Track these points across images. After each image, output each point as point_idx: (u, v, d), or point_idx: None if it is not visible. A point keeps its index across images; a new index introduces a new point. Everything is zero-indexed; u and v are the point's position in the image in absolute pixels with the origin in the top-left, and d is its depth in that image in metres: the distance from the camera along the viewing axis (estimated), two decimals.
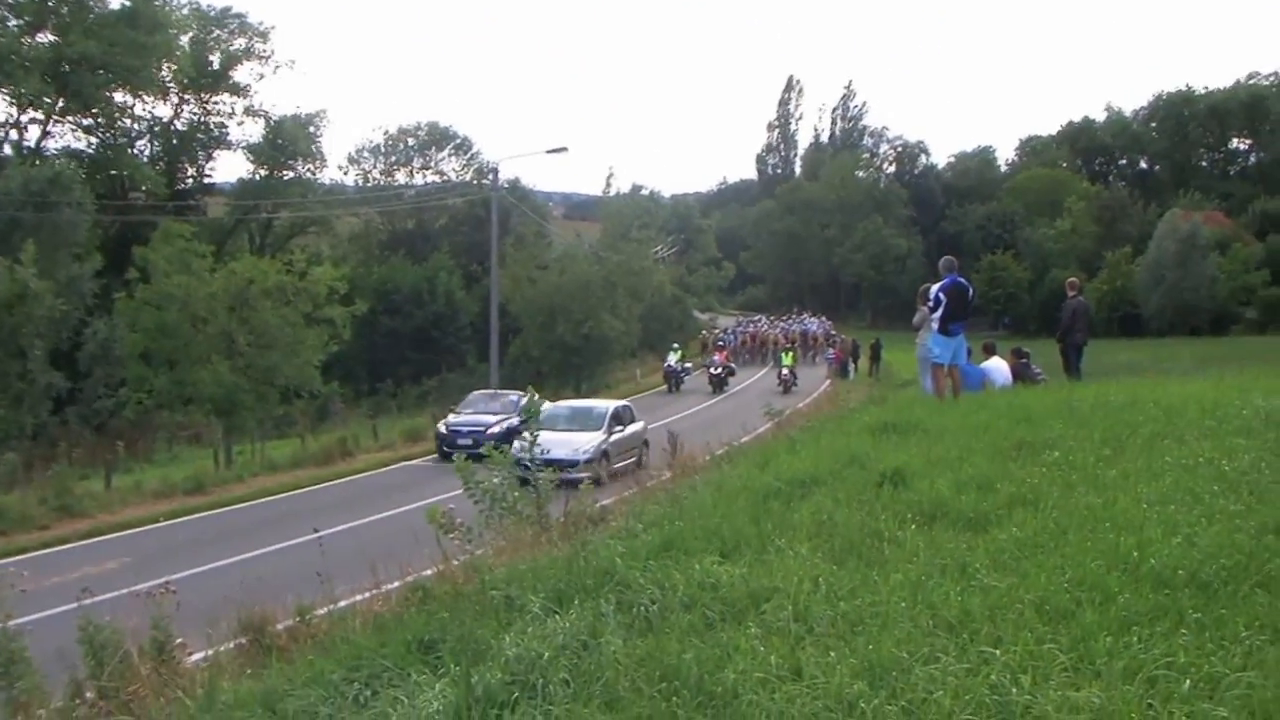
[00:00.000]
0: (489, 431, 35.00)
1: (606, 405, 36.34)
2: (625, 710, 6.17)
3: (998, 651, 6.13)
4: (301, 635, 11.08)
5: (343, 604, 12.05)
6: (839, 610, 7.27)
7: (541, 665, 6.97)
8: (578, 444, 31.54)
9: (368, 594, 12.60)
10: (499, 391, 45.80)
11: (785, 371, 61.24)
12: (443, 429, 39.28)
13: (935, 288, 20.79)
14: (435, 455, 38.80)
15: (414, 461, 38.49)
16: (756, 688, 6.07)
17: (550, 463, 25.95)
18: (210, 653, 10.73)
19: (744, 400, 50.97)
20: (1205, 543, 7.68)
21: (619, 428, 34.31)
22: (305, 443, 43.30)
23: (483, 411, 40.31)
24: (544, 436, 27.76)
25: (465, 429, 37.66)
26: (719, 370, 63.84)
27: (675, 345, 70.90)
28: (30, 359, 39.82)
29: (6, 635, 10.09)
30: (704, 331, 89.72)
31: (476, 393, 45.47)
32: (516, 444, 27.68)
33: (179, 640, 10.69)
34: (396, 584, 12.57)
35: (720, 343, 75.58)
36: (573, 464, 28.62)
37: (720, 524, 10.36)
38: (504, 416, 38.19)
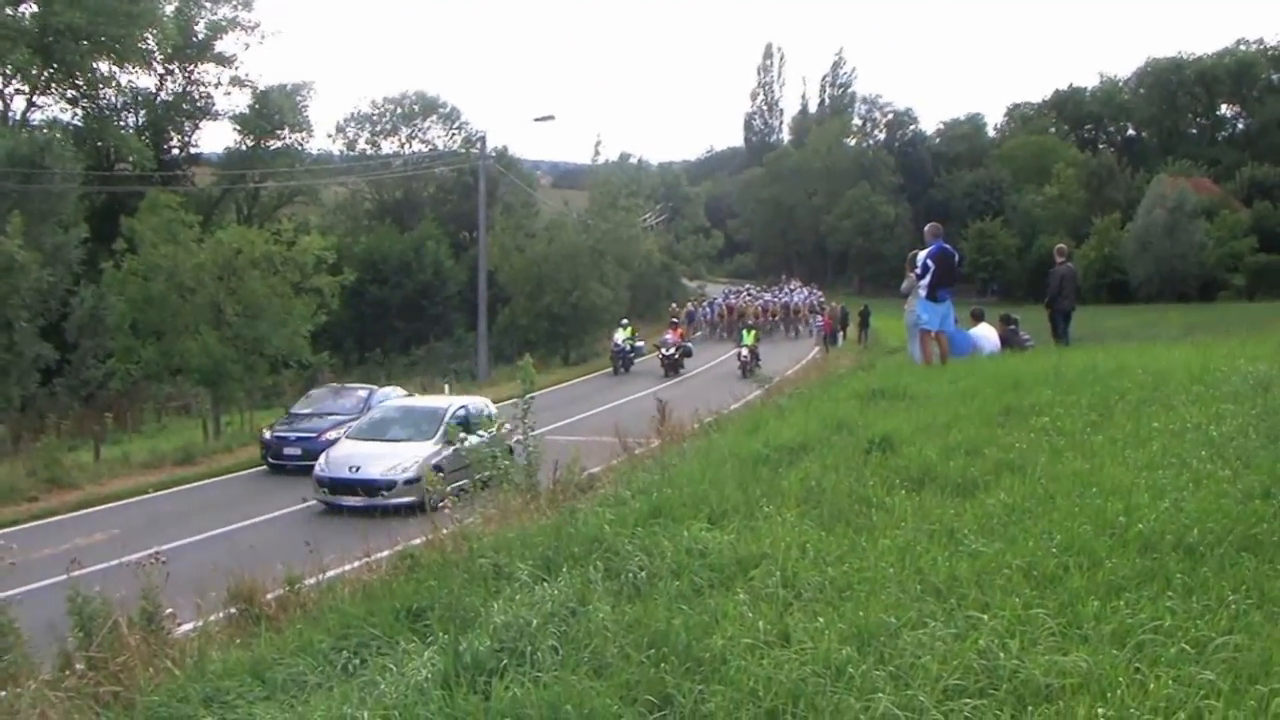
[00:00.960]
0: (322, 438, 30.14)
1: (448, 405, 28.73)
2: (614, 677, 6.18)
3: (985, 616, 6.15)
4: (290, 604, 11.09)
5: (331, 573, 12.05)
6: (827, 576, 7.29)
7: (530, 633, 6.98)
8: (398, 459, 25.19)
9: (356, 563, 12.62)
10: (346, 387, 39.04)
11: (744, 352, 53.09)
12: (267, 435, 32.56)
13: (923, 254, 20.80)
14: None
15: None
16: (745, 653, 6.08)
17: (359, 485, 24.47)
18: (199, 623, 10.71)
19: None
20: (1192, 507, 7.69)
21: (461, 434, 24.05)
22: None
23: (324, 412, 33.51)
24: (358, 450, 26.07)
25: (294, 436, 31.63)
26: (671, 350, 55.55)
27: (623, 321, 61.24)
28: (17, 330, 39.72)
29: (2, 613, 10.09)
30: (674, 304, 76.42)
31: (319, 389, 39.39)
32: (320, 460, 25.85)
33: (168, 611, 10.68)
34: (385, 553, 12.59)
35: (675, 320, 62.62)
36: (388, 486, 24.21)
37: (708, 491, 10.37)
38: (349, 418, 31.57)
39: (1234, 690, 5.06)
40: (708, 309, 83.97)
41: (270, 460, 31.54)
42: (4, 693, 9.28)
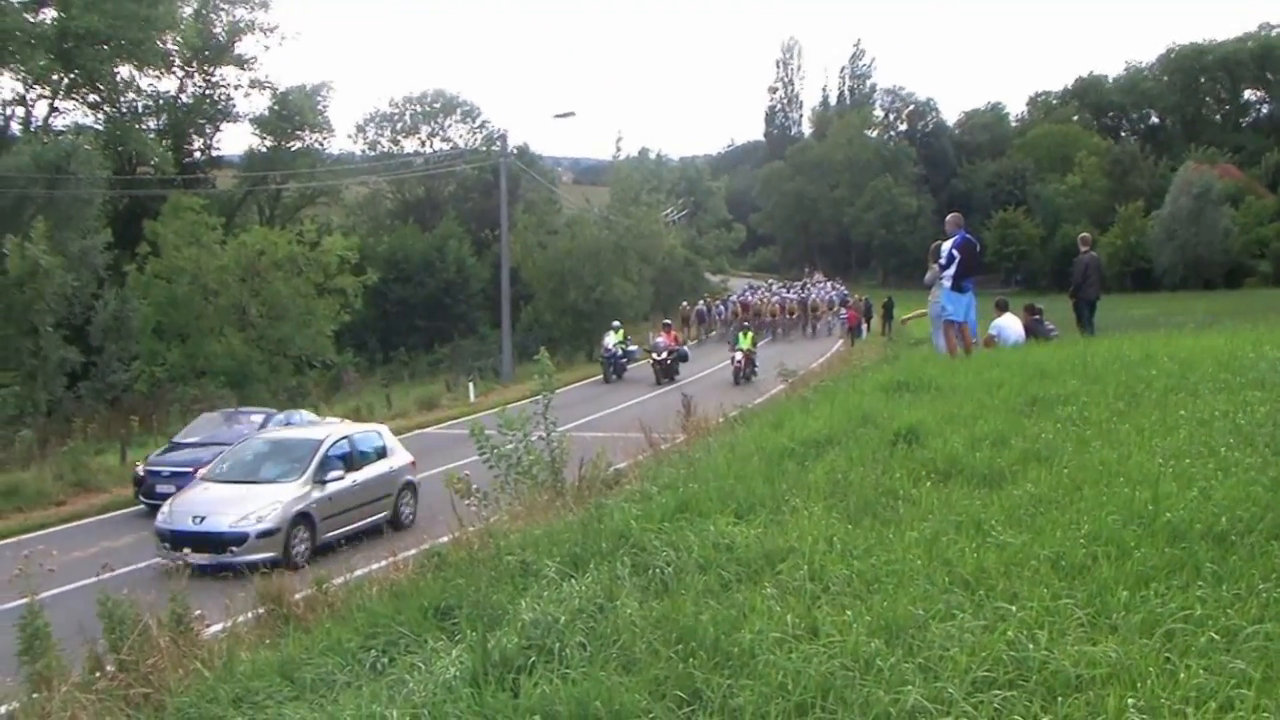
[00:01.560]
0: (200, 473, 23.89)
1: (324, 438, 23.12)
2: (642, 672, 6.18)
3: (1014, 607, 6.13)
4: (318, 604, 11.13)
5: (359, 572, 12.09)
6: (854, 569, 7.28)
7: (558, 629, 6.99)
8: (253, 506, 20.05)
9: (383, 562, 12.65)
10: (240, 411, 32.87)
11: (738, 357, 47.25)
12: (140, 470, 27.15)
13: (947, 245, 20.72)
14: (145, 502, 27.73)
15: (428, 430, 38.37)
16: (773, 647, 6.07)
17: (203, 539, 19.04)
18: (228, 624, 10.76)
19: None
20: (1221, 496, 7.65)
21: (338, 474, 21.93)
22: (319, 413, 43.35)
23: (213, 441, 27.60)
24: (208, 495, 20.96)
25: (168, 471, 26.14)
26: (664, 355, 49.57)
27: (614, 324, 56.09)
28: (43, 335, 39.85)
29: (32, 611, 10.13)
30: (684, 303, 77.33)
31: (208, 414, 33.12)
32: (164, 508, 21.19)
33: (197, 612, 10.73)
34: (412, 551, 12.61)
35: (668, 322, 58.04)
36: (237, 540, 19.33)
37: (734, 485, 10.37)
38: None
39: (1265, 679, 5.03)
40: (721, 306, 78.85)
41: (143, 499, 26.06)
42: (36, 695, 9.33)
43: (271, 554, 18.79)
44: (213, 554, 18.50)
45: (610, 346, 52.58)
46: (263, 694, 7.59)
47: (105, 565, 11.24)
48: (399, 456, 24.54)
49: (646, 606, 7.25)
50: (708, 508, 9.62)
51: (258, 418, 29.89)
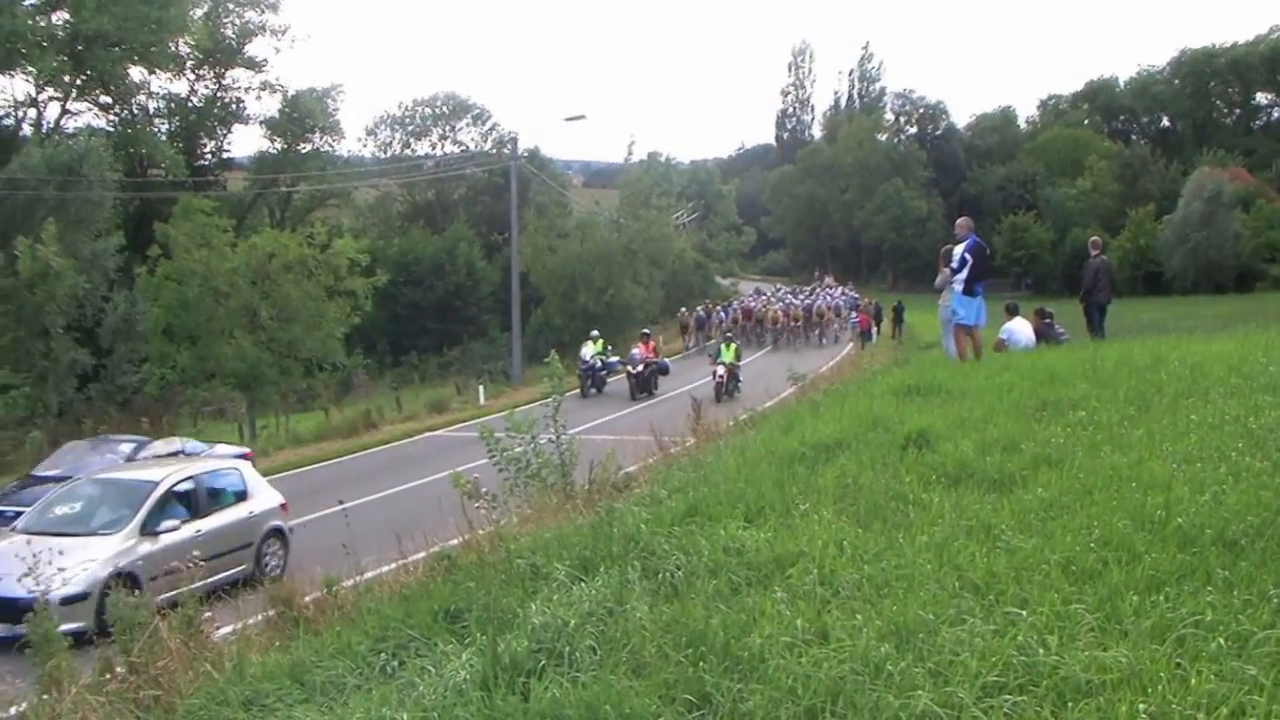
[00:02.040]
0: None
1: (162, 478, 18.97)
2: (652, 676, 6.18)
3: (1024, 612, 6.12)
4: (328, 607, 11.13)
5: (369, 575, 12.10)
6: (864, 573, 7.27)
7: (568, 633, 6.99)
8: (61, 563, 13.93)
9: (394, 565, 12.65)
10: (109, 438, 28.46)
11: (720, 371, 42.52)
12: None
13: (960, 248, 20.70)
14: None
15: (438, 432, 38.36)
16: (783, 652, 6.07)
17: None
18: (238, 626, 10.78)
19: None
20: (1232, 501, 7.64)
21: (173, 522, 18.10)
22: (329, 415, 43.44)
23: (73, 474, 23.20)
24: (10, 548, 15.47)
25: (10, 511, 21.78)
26: (639, 368, 45.27)
27: (593, 333, 51.53)
28: (54, 337, 39.98)
29: (41, 613, 10.15)
30: (683, 310, 73.05)
31: (73, 443, 28.61)
32: None
33: (207, 614, 10.74)
34: (422, 554, 12.61)
35: (646, 333, 51.06)
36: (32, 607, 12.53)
37: (745, 489, 10.36)
38: None
39: (1277, 685, 5.02)
40: (723, 312, 71.43)
41: None
42: (46, 696, 9.35)
43: (79, 624, 14.52)
44: (8, 623, 14.45)
45: (588, 358, 47.75)
46: (273, 696, 7.60)
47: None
48: (263, 498, 20.93)
49: (656, 610, 7.25)
50: (718, 511, 9.61)
51: (127, 447, 25.98)
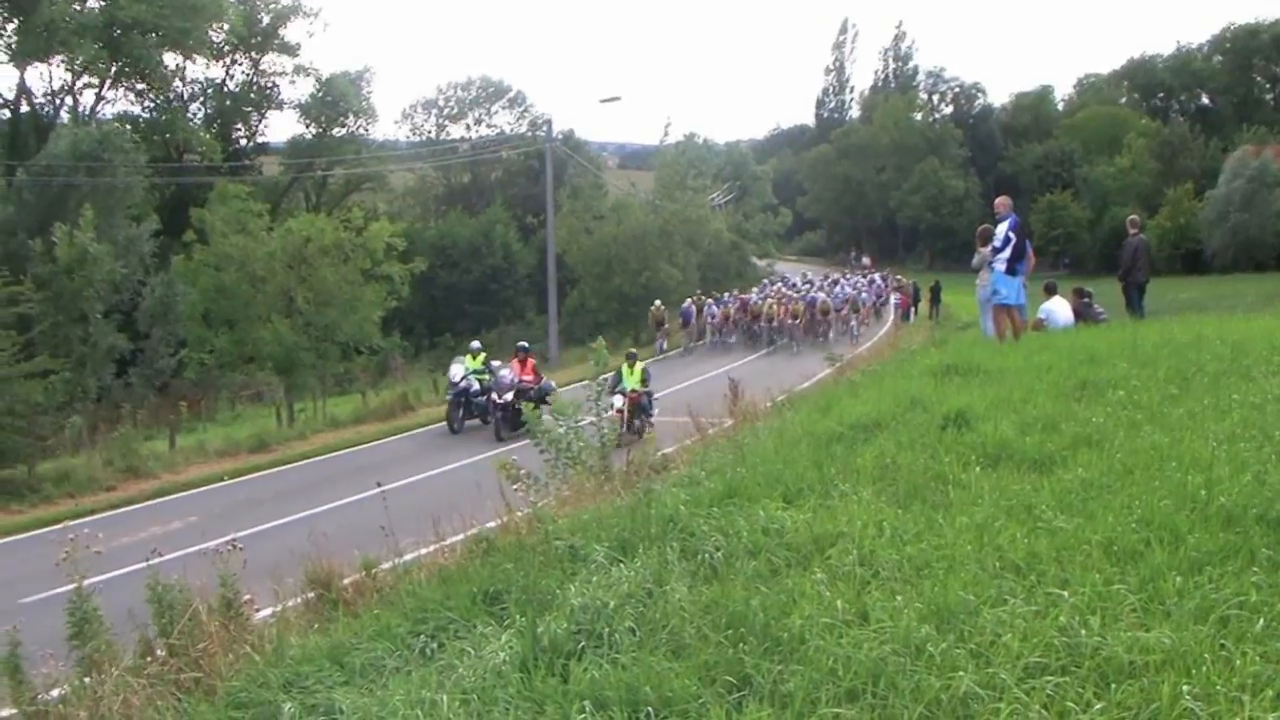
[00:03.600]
0: None
1: None
2: (692, 657, 6.17)
3: (1066, 593, 6.08)
4: (367, 589, 11.17)
5: (407, 557, 12.11)
6: (904, 554, 7.24)
7: (607, 614, 6.99)
8: None
9: (432, 547, 12.66)
10: None
11: (619, 403, 29.42)
12: None
13: (1003, 227, 20.60)
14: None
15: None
16: (823, 633, 6.05)
17: None
18: (278, 608, 10.82)
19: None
20: (1275, 480, 7.58)
21: None
22: (366, 399, 43.47)
23: None
24: None
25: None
26: (507, 396, 32.44)
27: (473, 346, 38.22)
28: (92, 322, 40.10)
29: (81, 596, 10.19)
30: (657, 303, 59.30)
31: None
32: None
33: (247, 597, 10.77)
34: (460, 536, 12.62)
35: (524, 348, 36.30)
36: None
37: (783, 470, 10.35)
38: None
39: None
40: (714, 306, 59.89)
41: None
42: (88, 679, 9.39)
43: None
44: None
45: (458, 379, 35.15)
46: (312, 678, 7.61)
47: (154, 550, 11.27)
48: None
49: (696, 591, 7.24)
50: (756, 492, 9.60)
51: None
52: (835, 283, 71.01)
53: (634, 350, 37.25)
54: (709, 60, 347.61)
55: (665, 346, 57.16)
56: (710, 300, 60.82)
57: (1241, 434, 9.13)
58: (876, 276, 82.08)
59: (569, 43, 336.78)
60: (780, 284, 68.25)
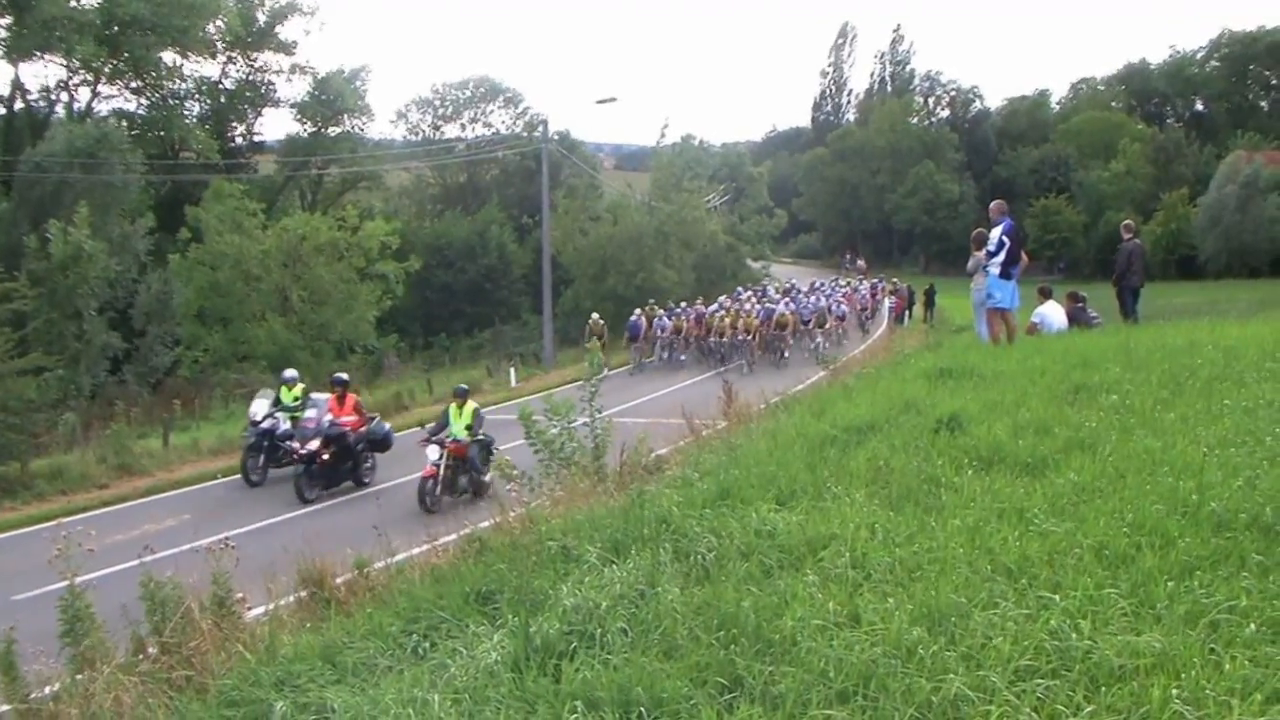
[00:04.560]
0: None
1: None
2: (684, 658, 6.19)
3: (1057, 596, 6.11)
4: (360, 588, 11.18)
5: (400, 557, 12.14)
6: (896, 556, 7.26)
7: (599, 615, 7.00)
8: None
9: (425, 547, 12.68)
10: None
11: (435, 454, 23.61)
12: None
13: (996, 231, 20.67)
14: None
15: None
16: (815, 635, 6.07)
17: None
18: (270, 607, 10.83)
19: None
20: (1267, 485, 7.61)
21: None
22: (361, 397, 43.55)
23: None
24: None
25: None
26: (311, 446, 25.46)
27: (286, 375, 31.16)
28: (86, 319, 40.16)
29: (73, 593, 10.20)
30: (594, 316, 52.72)
31: None
32: None
33: (239, 595, 10.79)
34: (453, 536, 12.64)
35: (340, 380, 28.28)
36: None
37: (776, 472, 10.36)
38: None
39: None
40: (665, 319, 52.34)
41: None
42: (80, 676, 9.41)
43: None
44: None
45: (259, 417, 28.38)
46: (304, 677, 7.62)
47: (147, 547, 11.29)
48: None
49: (688, 593, 7.25)
50: (749, 494, 9.61)
51: None
52: (816, 290, 64.36)
53: (464, 385, 27.13)
54: (706, 62, 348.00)
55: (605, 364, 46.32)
56: (662, 312, 53.39)
57: (1233, 439, 9.15)
58: (864, 284, 76.80)
59: (565, 43, 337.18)
60: (751, 292, 59.85)
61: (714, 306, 53.87)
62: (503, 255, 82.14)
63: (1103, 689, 5.08)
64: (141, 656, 9.66)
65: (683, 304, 56.16)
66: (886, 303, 69.06)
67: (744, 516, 8.72)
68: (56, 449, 32.95)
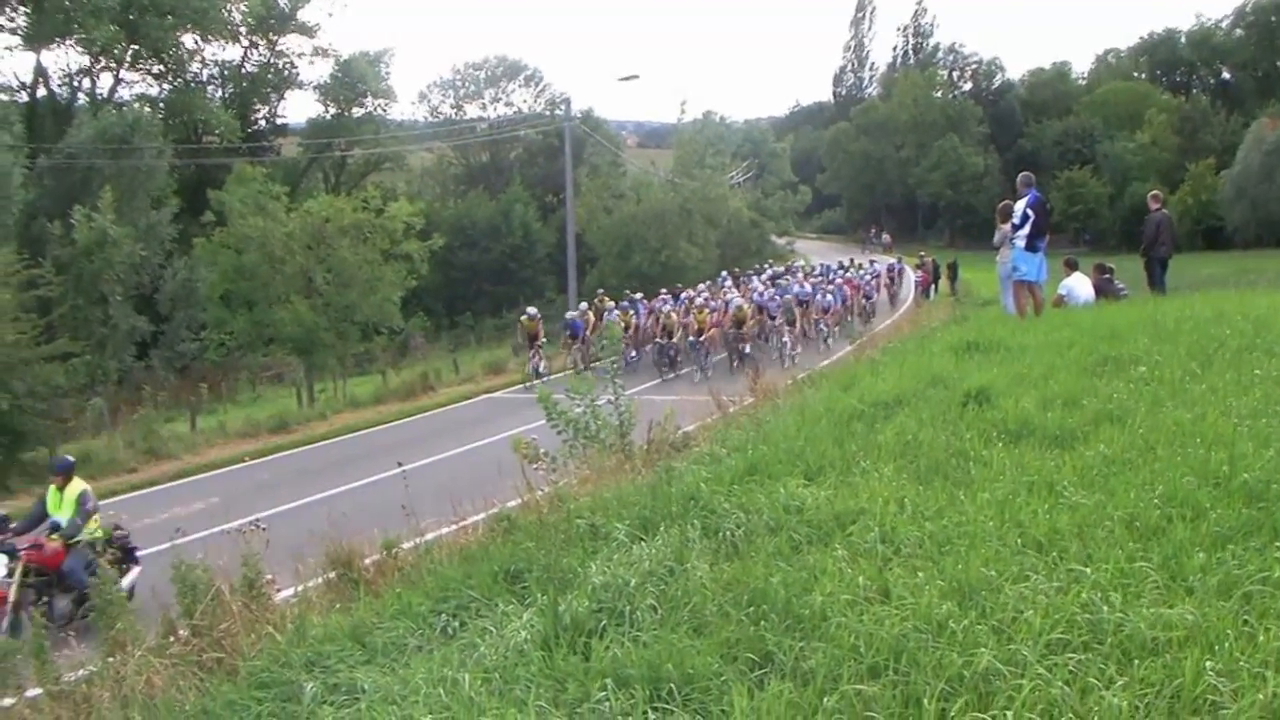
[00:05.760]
0: None
1: None
2: (713, 634, 6.17)
3: (1088, 569, 6.07)
4: (388, 569, 11.17)
5: (428, 537, 12.12)
6: (925, 531, 7.23)
7: (628, 592, 6.99)
8: None
9: (453, 526, 12.67)
10: None
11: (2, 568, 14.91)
12: None
13: (1022, 204, 20.60)
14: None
15: (496, 394, 38.45)
16: (845, 609, 6.04)
17: None
18: (299, 588, 10.83)
19: None
20: None
21: None
22: (386, 379, 43.66)
23: None
24: None
25: None
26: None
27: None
28: (112, 304, 40.28)
29: (104, 578, 10.22)
30: (529, 311, 43.10)
31: None
32: None
33: (268, 577, 10.79)
34: (481, 516, 12.63)
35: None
36: None
37: (804, 447, 10.33)
38: None
39: None
40: (615, 315, 42.46)
41: None
42: (111, 659, 9.43)
43: None
44: None
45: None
46: (334, 658, 7.62)
47: (179, 530, 11.32)
48: None
49: (717, 569, 7.23)
50: (777, 470, 9.58)
51: None
52: (828, 270, 60.41)
53: (68, 458, 17.74)
54: (728, 37, 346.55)
55: (543, 369, 40.24)
56: (611, 305, 45.68)
57: (1264, 409, 9.09)
58: (875, 265, 67.66)
59: (587, 21, 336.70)
60: (726, 282, 53.83)
61: (682, 298, 45.80)
62: (527, 234, 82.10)
63: (1135, 662, 5.05)
64: (172, 639, 9.68)
65: (639, 296, 49.72)
66: (912, 278, 68.59)
67: (772, 492, 8.70)
68: (84, 434, 33.14)
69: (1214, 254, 79.72)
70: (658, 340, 41.40)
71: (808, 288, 49.20)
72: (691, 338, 39.84)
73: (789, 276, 55.28)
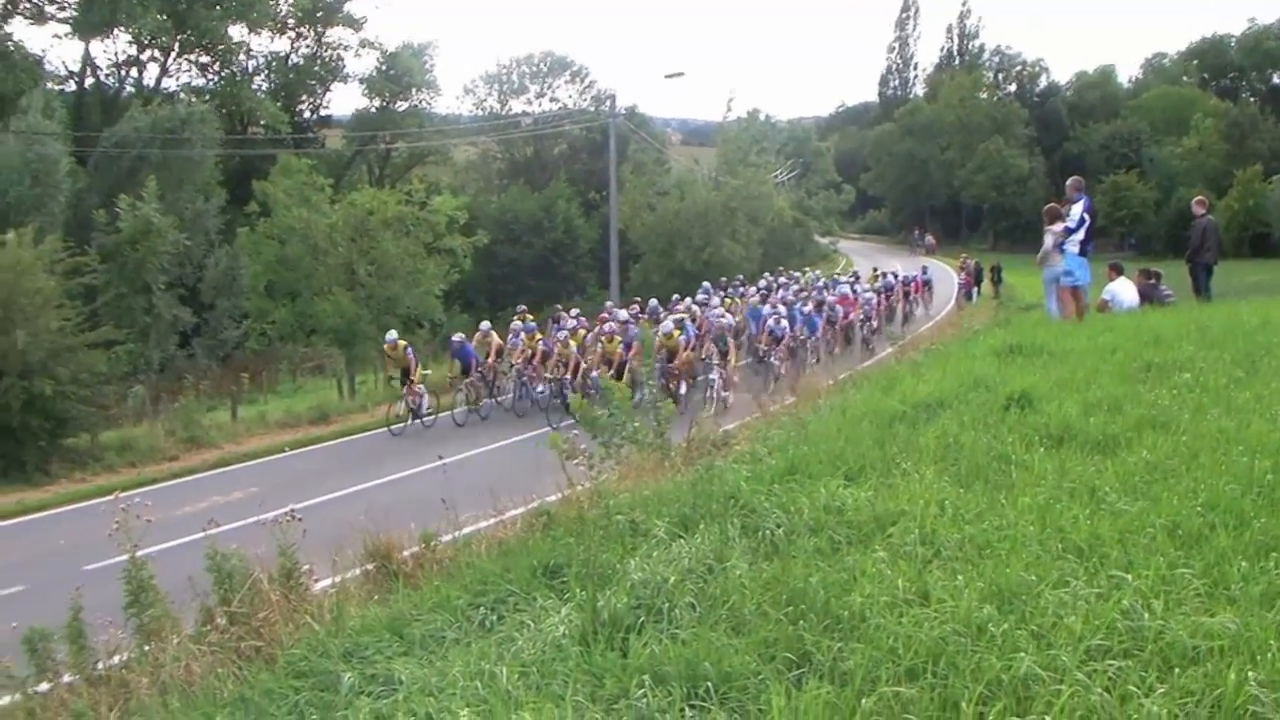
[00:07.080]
0: None
1: None
2: (751, 633, 6.16)
3: (1129, 576, 6.04)
4: (426, 561, 11.20)
5: (467, 530, 12.16)
6: (966, 534, 7.21)
7: (667, 589, 6.99)
8: None
9: (492, 520, 12.70)
10: None
11: None
12: None
13: (1078, 208, 20.60)
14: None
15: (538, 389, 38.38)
16: (884, 611, 6.03)
17: None
18: (337, 579, 10.86)
19: None
20: None
21: None
22: (430, 370, 43.76)
23: None
24: None
25: None
26: None
27: None
28: (155, 294, 40.48)
29: (135, 564, 10.27)
30: (390, 336, 34.11)
31: None
32: None
33: (306, 567, 10.83)
34: (520, 510, 12.66)
35: None
36: None
37: (845, 448, 10.32)
38: None
39: None
40: (517, 339, 35.09)
41: None
42: (149, 646, 9.48)
43: None
44: None
45: None
46: (372, 648, 7.65)
47: (212, 520, 11.36)
48: None
49: (756, 568, 7.23)
50: (818, 470, 9.57)
51: None
52: (846, 283, 50.64)
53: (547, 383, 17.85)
54: (773, 36, 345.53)
55: (425, 407, 32.72)
56: (518, 324, 36.80)
57: None
58: (892, 275, 56.04)
59: (632, 17, 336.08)
60: (688, 300, 43.12)
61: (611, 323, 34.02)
62: (569, 230, 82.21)
63: (1176, 670, 5.02)
64: (209, 627, 9.73)
65: (559, 309, 43.96)
66: (954, 281, 67.83)
67: (813, 492, 8.69)
68: (126, 421, 33.33)
69: (1261, 261, 79.13)
70: (546, 376, 32.74)
71: (789, 296, 42.65)
72: (661, 365, 28.83)
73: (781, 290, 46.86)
